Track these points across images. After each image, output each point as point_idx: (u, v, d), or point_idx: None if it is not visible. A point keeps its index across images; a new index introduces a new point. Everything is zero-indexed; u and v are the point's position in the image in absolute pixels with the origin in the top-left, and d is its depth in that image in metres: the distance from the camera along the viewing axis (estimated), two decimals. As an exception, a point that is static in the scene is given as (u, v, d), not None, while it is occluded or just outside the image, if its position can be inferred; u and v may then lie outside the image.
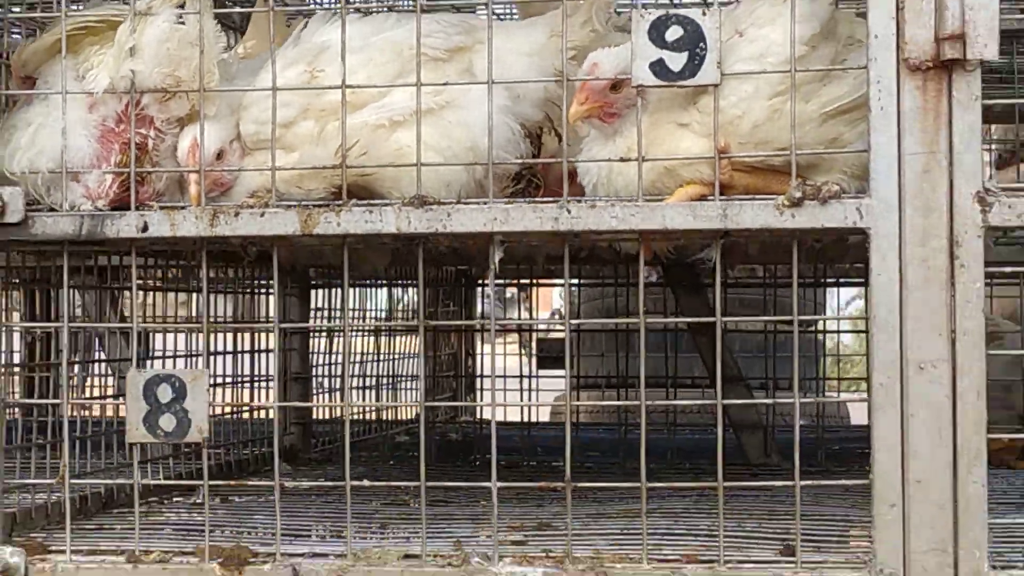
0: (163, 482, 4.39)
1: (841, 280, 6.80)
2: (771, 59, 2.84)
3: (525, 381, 6.46)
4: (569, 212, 2.76)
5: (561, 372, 6.12)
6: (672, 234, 2.80)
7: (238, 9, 3.30)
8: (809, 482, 2.78)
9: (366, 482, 3.21)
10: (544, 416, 7.19)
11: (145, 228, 2.89)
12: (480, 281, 6.81)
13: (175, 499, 4.33)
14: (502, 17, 5.00)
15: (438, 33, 3.14)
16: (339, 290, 5.78)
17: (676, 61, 2.72)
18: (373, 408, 6.38)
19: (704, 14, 2.70)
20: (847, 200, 2.63)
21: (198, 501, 4.00)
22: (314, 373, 5.97)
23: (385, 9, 3.36)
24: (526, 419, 6.02)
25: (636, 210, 2.73)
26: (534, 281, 6.84)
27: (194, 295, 5.33)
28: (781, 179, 2.86)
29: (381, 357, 6.44)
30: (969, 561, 2.55)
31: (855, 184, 2.87)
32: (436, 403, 6.64)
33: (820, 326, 7.55)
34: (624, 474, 4.42)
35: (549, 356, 6.87)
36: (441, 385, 6.81)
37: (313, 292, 5.96)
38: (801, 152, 2.72)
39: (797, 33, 2.76)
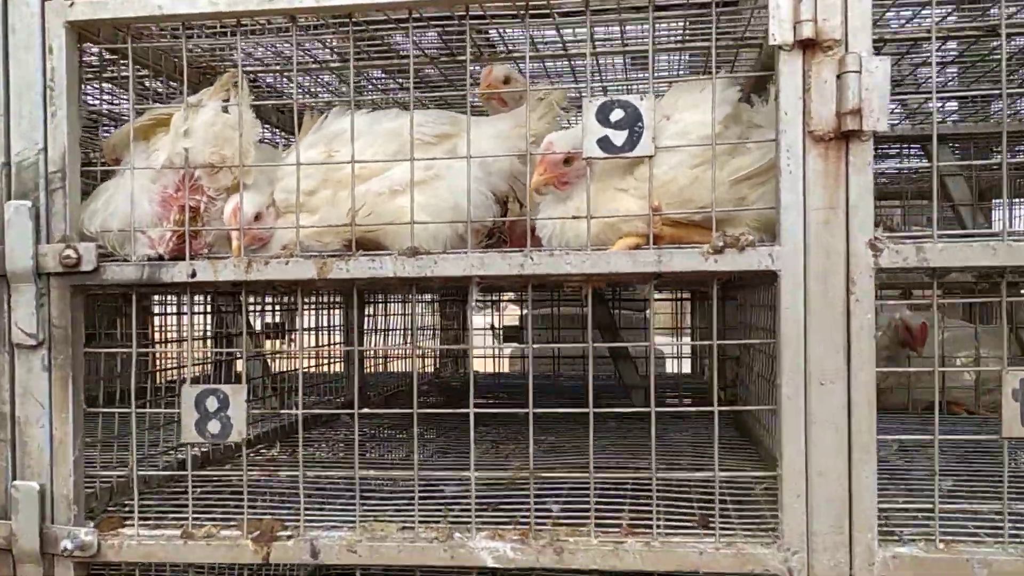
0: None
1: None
2: (692, 136, 2.78)
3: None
4: (532, 260, 2.67)
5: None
6: (615, 276, 2.69)
7: (271, 102, 3.25)
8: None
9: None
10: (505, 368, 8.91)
11: (194, 274, 2.81)
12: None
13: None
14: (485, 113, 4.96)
15: (428, 123, 3.12)
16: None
17: (618, 137, 2.65)
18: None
19: (641, 99, 2.63)
20: (761, 248, 2.54)
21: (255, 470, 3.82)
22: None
23: (387, 105, 3.30)
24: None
25: (586, 258, 2.64)
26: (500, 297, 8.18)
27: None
28: (700, 231, 2.80)
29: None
30: (862, 539, 2.40)
31: (757, 235, 2.78)
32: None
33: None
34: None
35: (509, 336, 8.48)
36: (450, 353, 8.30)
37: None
38: (719, 209, 2.63)
39: (710, 117, 2.70)
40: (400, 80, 4.40)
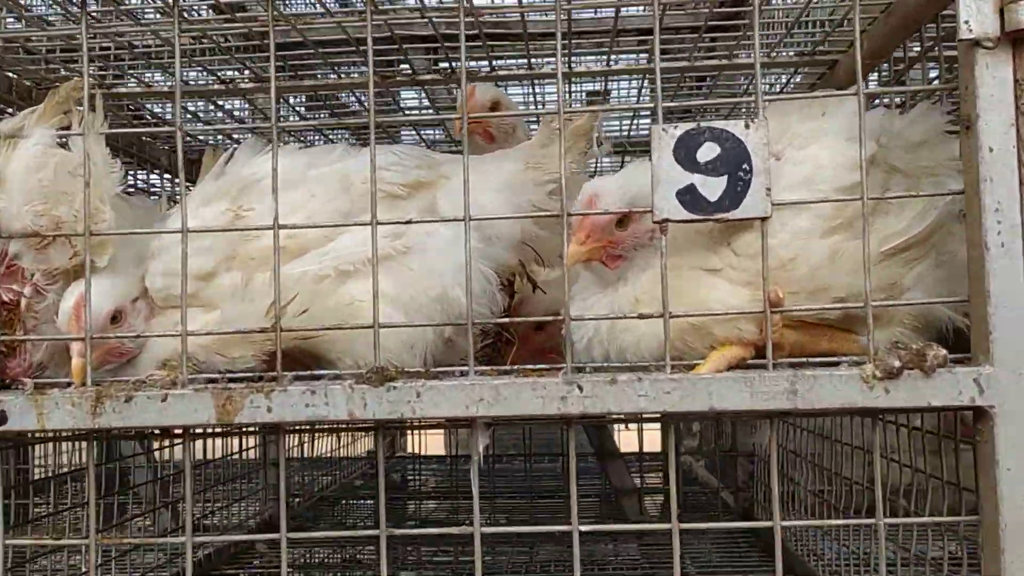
0: None
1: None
2: (822, 186, 1.78)
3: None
4: (580, 390, 1.62)
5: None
6: (715, 415, 1.65)
7: (143, 130, 2.12)
8: None
9: None
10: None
11: (3, 420, 1.66)
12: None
13: None
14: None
15: (395, 166, 2.04)
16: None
17: (712, 188, 1.64)
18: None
19: (747, 127, 1.63)
20: (959, 370, 1.54)
21: None
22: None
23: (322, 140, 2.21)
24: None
25: (673, 386, 1.61)
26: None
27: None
28: (833, 335, 1.81)
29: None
30: None
31: (917, 338, 1.81)
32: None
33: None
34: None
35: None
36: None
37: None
38: (877, 303, 1.64)
39: (850, 155, 1.73)
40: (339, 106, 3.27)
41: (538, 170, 2.07)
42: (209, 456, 4.67)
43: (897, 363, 1.55)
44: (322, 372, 1.82)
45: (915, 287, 1.83)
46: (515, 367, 1.82)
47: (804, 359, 1.75)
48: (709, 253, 1.81)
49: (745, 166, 1.66)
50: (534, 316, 2.33)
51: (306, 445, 5.87)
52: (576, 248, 1.82)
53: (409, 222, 1.76)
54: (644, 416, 1.69)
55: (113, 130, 1.95)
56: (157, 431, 1.85)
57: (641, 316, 1.72)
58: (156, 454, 4.26)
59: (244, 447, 4.94)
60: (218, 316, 1.86)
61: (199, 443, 4.69)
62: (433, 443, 7.26)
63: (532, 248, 2.12)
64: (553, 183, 2.05)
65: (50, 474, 3.74)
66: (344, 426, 5.18)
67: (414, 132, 3.86)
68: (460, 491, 5.58)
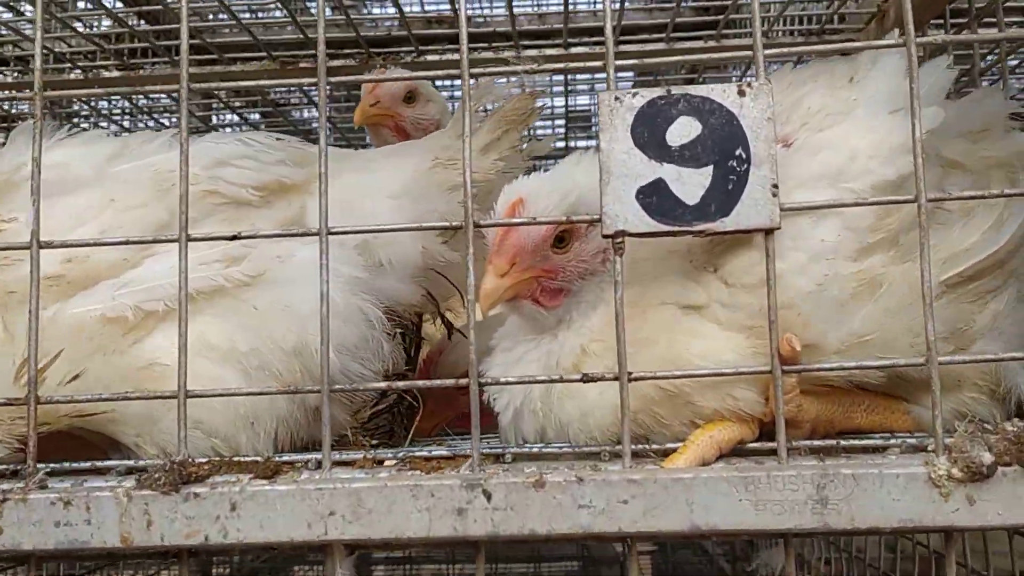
0: None
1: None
2: (855, 183, 1.21)
3: None
4: (487, 498, 1.04)
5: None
6: (706, 536, 1.06)
7: None
8: None
9: None
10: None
11: None
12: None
13: None
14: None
15: (243, 160, 1.44)
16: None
17: (690, 184, 1.09)
18: None
19: (742, 94, 1.08)
20: None
21: None
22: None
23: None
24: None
25: (633, 492, 1.04)
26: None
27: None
28: (872, 405, 1.25)
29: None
30: None
31: (993, 408, 1.26)
32: None
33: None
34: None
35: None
36: None
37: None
38: (946, 359, 1.07)
39: (895, 136, 1.18)
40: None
41: (451, 169, 1.49)
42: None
43: (987, 456, 0.98)
44: (110, 463, 1.22)
45: (989, 333, 1.25)
46: (403, 453, 1.23)
47: (831, 441, 1.18)
48: (688, 282, 1.23)
49: (739, 152, 1.11)
50: (459, 369, 1.74)
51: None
52: (494, 282, 1.24)
53: (235, 237, 1.17)
54: (589, 535, 1.10)
55: None
56: None
57: (586, 378, 1.13)
58: None
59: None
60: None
61: None
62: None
63: (445, 276, 1.53)
64: (473, 188, 1.47)
65: None
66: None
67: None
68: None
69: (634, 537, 1.10)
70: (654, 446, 1.21)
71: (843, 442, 1.19)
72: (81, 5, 2.85)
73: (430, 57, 2.36)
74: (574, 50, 2.46)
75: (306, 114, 3.46)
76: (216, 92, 3.06)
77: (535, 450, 1.25)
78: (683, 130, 1.11)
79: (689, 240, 1.21)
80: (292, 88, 3.44)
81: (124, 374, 1.23)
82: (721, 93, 1.12)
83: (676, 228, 1.11)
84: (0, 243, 1.26)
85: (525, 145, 1.61)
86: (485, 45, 2.50)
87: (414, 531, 1.07)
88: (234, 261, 1.32)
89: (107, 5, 2.57)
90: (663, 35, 2.31)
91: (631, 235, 1.11)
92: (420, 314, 1.61)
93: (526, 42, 2.46)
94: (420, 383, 1.23)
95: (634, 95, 1.12)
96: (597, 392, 1.22)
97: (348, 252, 1.39)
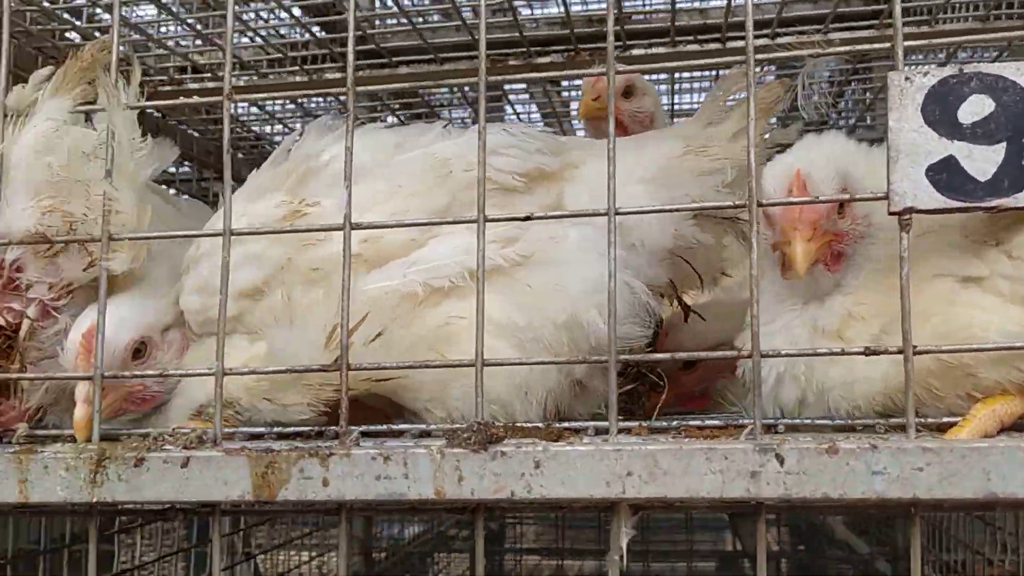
0: None
1: None
2: None
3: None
4: (780, 463, 1.09)
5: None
6: (1003, 504, 1.08)
7: (182, 100, 1.66)
8: None
9: None
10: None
11: (-26, 485, 1.25)
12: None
13: None
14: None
15: (510, 149, 1.54)
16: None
17: (982, 161, 1.10)
18: None
19: (1040, 67, 1.09)
20: None
21: None
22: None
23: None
24: None
25: (928, 459, 1.06)
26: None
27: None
28: None
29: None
30: None
31: None
32: None
33: None
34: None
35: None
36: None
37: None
38: None
39: None
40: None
41: (702, 156, 1.54)
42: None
43: None
44: (404, 426, 1.33)
45: None
46: (677, 423, 1.29)
47: None
48: (966, 255, 1.25)
49: (1037, 130, 1.11)
50: (683, 351, 1.79)
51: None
52: (805, 246, 1.29)
53: (528, 218, 1.26)
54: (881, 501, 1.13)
55: (145, 103, 1.52)
56: (178, 507, 1.39)
57: (868, 351, 1.16)
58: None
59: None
60: (266, 348, 1.40)
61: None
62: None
63: (686, 261, 1.59)
64: (721, 173, 1.52)
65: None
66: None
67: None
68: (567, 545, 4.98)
69: (922, 505, 1.12)
70: (929, 420, 1.24)
71: None
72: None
73: (635, 52, 2.43)
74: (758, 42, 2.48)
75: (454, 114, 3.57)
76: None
77: (807, 421, 1.28)
78: (975, 108, 1.13)
79: (967, 216, 1.23)
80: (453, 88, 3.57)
81: (417, 342, 1.35)
82: (1015, 71, 1.13)
83: (968, 204, 1.13)
84: (307, 225, 1.41)
85: (767, 135, 1.65)
86: (653, 41, 2.53)
87: (707, 491, 1.13)
88: (509, 242, 1.41)
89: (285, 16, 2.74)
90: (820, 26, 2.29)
91: (920, 211, 1.13)
92: (661, 295, 1.67)
93: (680, 38, 2.47)
94: (704, 354, 1.29)
95: (925, 75, 1.15)
96: (865, 360, 1.25)
97: (604, 236, 1.46)
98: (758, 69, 1.62)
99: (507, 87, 3.29)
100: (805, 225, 1.27)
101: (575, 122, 3.42)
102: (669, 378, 1.87)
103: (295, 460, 1.20)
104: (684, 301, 1.69)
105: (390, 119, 3.63)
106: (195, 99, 2.20)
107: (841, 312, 1.33)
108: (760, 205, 1.20)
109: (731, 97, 1.58)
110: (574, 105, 3.70)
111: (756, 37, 2.42)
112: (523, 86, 3.43)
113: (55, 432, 1.39)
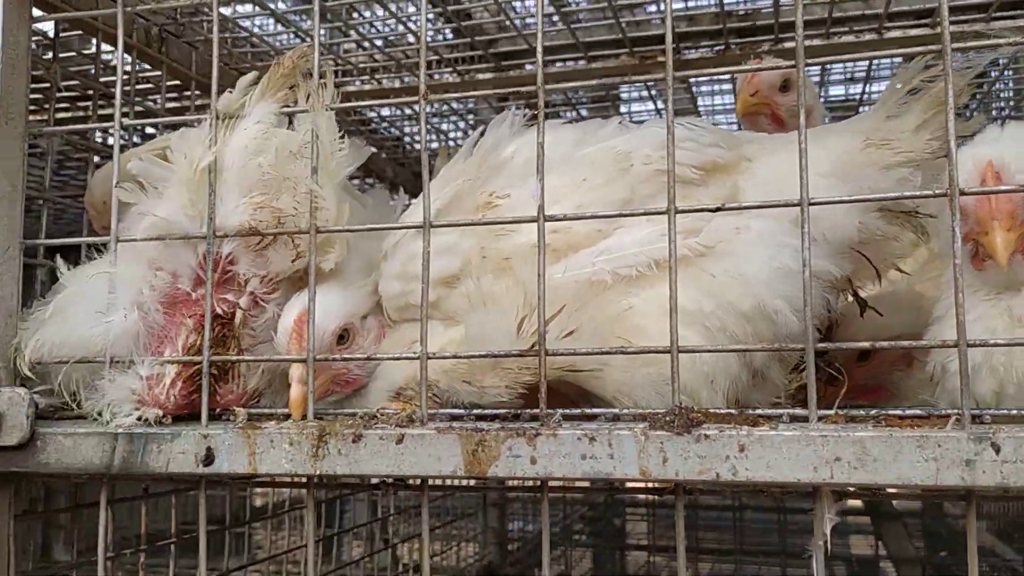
0: None
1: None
2: None
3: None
4: (996, 451, 1.10)
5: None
6: None
7: (381, 102, 1.80)
8: None
9: None
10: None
11: (209, 459, 1.36)
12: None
13: None
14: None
15: (687, 142, 1.57)
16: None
17: None
18: None
19: None
20: None
21: None
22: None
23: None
24: None
25: None
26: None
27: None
28: None
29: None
30: None
31: None
32: None
33: None
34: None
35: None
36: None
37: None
38: None
39: None
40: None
41: (884, 149, 1.53)
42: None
43: None
44: (597, 411, 1.38)
45: None
46: (875, 412, 1.30)
47: None
48: None
49: None
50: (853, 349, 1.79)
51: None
52: (1006, 236, 1.30)
53: (719, 209, 1.30)
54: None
55: (345, 104, 1.61)
56: (389, 480, 1.48)
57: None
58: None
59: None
60: (460, 334, 1.47)
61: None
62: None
63: (865, 256, 1.58)
64: (906, 167, 1.51)
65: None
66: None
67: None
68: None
69: None
70: None
71: None
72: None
73: (787, 44, 2.42)
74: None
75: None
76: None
77: (1015, 412, 1.27)
78: None
79: None
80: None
81: (605, 331, 1.40)
82: None
83: None
84: (497, 216, 1.48)
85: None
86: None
87: (920, 479, 1.13)
88: (692, 233, 1.45)
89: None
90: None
91: None
92: (837, 291, 1.67)
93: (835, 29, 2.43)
94: (905, 344, 1.30)
95: None
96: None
97: (787, 226, 1.48)
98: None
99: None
100: (1003, 215, 1.27)
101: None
102: (846, 371, 1.87)
103: (504, 439, 1.26)
104: (860, 295, 1.69)
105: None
106: (392, 99, 2.30)
107: (1042, 302, 1.31)
108: (963, 194, 1.19)
109: (907, 90, 1.56)
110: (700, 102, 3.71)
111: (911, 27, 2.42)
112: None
113: (268, 411, 1.49)
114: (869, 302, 1.74)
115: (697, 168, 1.54)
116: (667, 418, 1.22)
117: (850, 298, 1.70)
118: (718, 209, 1.30)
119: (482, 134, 1.62)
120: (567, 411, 1.36)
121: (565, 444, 1.24)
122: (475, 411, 1.42)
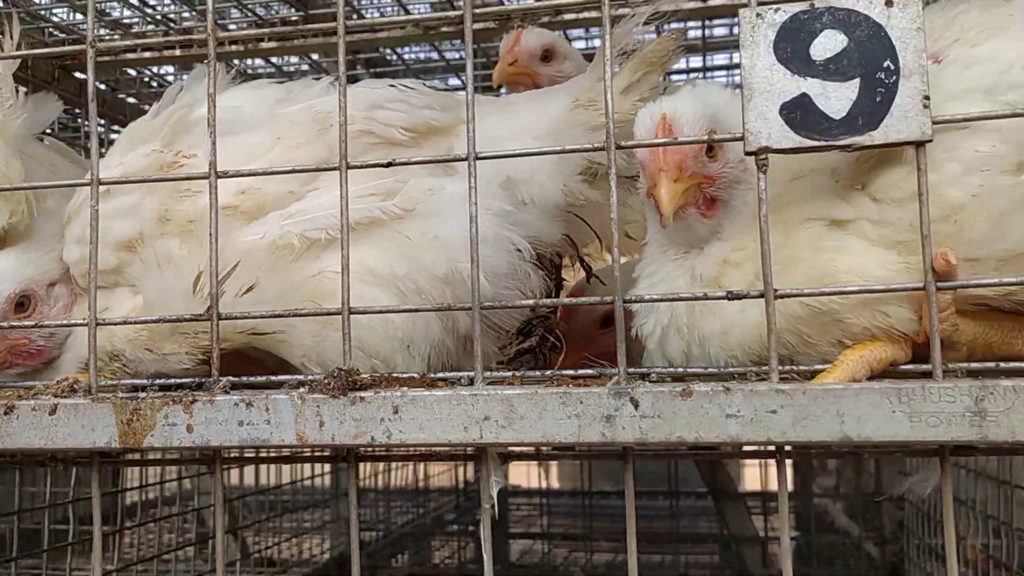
0: None
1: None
2: (1012, 94, 1.18)
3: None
4: (635, 406, 1.08)
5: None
6: (860, 448, 1.08)
7: (51, 51, 1.62)
8: None
9: None
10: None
11: None
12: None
13: None
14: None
15: (396, 103, 1.53)
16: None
17: (836, 98, 1.09)
18: None
19: (890, 4, 1.07)
20: None
21: None
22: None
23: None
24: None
25: (781, 402, 1.05)
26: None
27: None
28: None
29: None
30: None
31: None
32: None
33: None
34: None
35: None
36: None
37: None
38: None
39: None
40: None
41: (592, 110, 1.52)
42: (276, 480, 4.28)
43: None
44: (282, 377, 1.33)
45: None
46: (550, 372, 1.28)
47: (990, 364, 1.16)
48: (834, 198, 1.23)
49: (887, 64, 1.10)
50: (596, 311, 1.79)
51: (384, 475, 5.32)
52: (670, 186, 1.26)
53: (389, 164, 1.25)
54: (743, 448, 1.13)
55: (28, 51, 1.50)
56: (52, 457, 1.40)
57: (731, 296, 1.15)
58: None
59: (314, 473, 4.52)
60: (140, 301, 1.39)
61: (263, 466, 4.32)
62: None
63: (582, 220, 1.57)
64: (619, 121, 1.50)
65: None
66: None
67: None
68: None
69: (786, 449, 1.12)
70: (801, 367, 1.23)
71: (1003, 364, 1.17)
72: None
73: (567, 16, 2.40)
74: None
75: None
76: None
77: (679, 370, 1.28)
78: (828, 44, 1.11)
79: (834, 158, 1.21)
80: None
81: (291, 293, 1.34)
82: (867, 4, 1.11)
83: (821, 143, 1.11)
84: (186, 173, 1.40)
85: (664, 89, 1.63)
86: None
87: (564, 436, 1.12)
88: (389, 195, 1.40)
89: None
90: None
91: (775, 151, 1.12)
92: (560, 256, 1.66)
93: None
94: (566, 300, 1.30)
95: (776, 10, 1.13)
96: (737, 309, 1.24)
97: (493, 189, 1.45)
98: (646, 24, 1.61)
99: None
100: (671, 166, 1.25)
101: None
102: (583, 339, 1.87)
103: (159, 407, 1.20)
104: (585, 262, 1.68)
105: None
106: (58, 49, 2.14)
107: (718, 259, 1.31)
108: (619, 147, 1.18)
109: (624, 47, 1.55)
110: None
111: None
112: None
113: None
114: (600, 272, 1.73)
115: (407, 129, 1.50)
116: (326, 381, 1.18)
117: (576, 264, 1.70)
118: (389, 164, 1.25)
119: (180, 90, 1.54)
120: (249, 379, 1.30)
121: (222, 410, 1.19)
122: (159, 381, 1.35)
